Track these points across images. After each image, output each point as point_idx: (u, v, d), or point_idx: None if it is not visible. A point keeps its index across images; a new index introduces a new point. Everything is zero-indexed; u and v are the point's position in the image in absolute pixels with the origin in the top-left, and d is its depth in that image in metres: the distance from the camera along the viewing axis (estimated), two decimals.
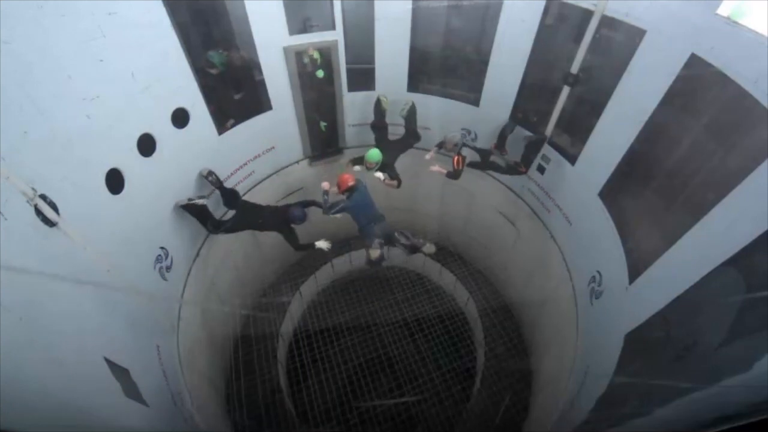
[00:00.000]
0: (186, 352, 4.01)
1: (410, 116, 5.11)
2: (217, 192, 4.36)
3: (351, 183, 4.45)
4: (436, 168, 5.00)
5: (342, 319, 6.27)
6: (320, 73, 4.79)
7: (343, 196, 4.49)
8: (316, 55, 4.65)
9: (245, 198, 4.76)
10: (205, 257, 4.55)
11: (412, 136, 5.24)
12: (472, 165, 5.03)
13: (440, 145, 5.06)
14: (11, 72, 2.12)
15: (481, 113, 5.13)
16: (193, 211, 4.05)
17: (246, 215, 4.49)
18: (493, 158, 4.90)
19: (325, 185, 4.49)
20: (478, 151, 4.93)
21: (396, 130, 5.35)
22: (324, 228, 6.65)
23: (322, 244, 4.61)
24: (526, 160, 4.70)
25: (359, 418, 5.48)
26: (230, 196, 4.45)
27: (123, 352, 2.81)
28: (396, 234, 4.59)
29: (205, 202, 4.10)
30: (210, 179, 4.19)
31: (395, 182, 5.03)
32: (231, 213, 4.54)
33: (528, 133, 4.71)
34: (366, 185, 4.59)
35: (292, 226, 4.48)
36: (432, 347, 6.34)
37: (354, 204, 4.45)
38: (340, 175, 4.53)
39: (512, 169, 4.80)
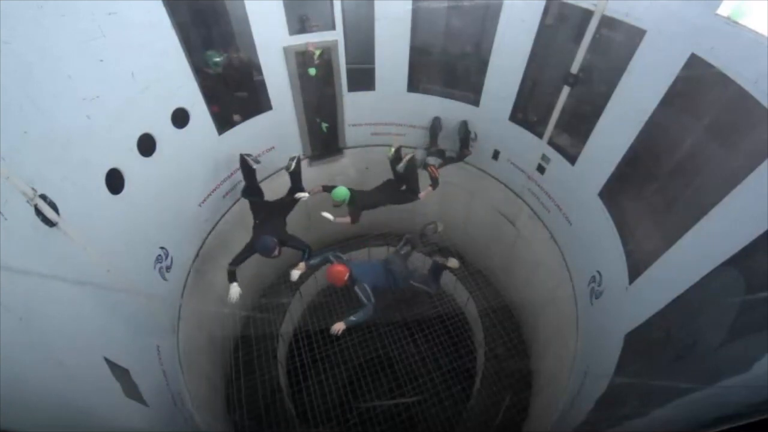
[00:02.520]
0: (186, 352, 4.01)
1: (409, 168, 4.77)
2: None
3: (346, 275, 3.98)
4: (422, 194, 4.99)
5: (342, 319, 6.26)
6: (312, 71, 4.77)
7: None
8: (317, 53, 4.65)
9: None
10: (205, 257, 4.55)
11: (409, 192, 4.95)
12: (440, 165, 5.27)
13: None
14: (11, 72, 2.12)
15: (481, 113, 5.13)
16: (243, 166, 4.28)
17: (273, 206, 4.53)
18: (448, 154, 5.35)
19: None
20: (438, 154, 5.23)
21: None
22: (323, 230, 6.66)
23: (233, 292, 4.07)
24: (465, 144, 5.33)
25: (359, 418, 5.48)
26: (295, 189, 4.59)
27: (123, 352, 2.81)
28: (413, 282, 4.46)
29: (256, 167, 4.30)
30: (289, 163, 4.44)
31: (348, 219, 4.72)
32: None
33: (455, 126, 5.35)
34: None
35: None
36: (432, 347, 6.33)
37: (369, 285, 4.04)
38: (329, 272, 4.03)
39: (461, 156, 5.41)
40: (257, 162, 4.35)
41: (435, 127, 5.37)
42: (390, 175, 5.06)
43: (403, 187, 4.97)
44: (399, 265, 4.45)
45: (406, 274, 4.49)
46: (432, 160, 5.14)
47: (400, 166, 4.77)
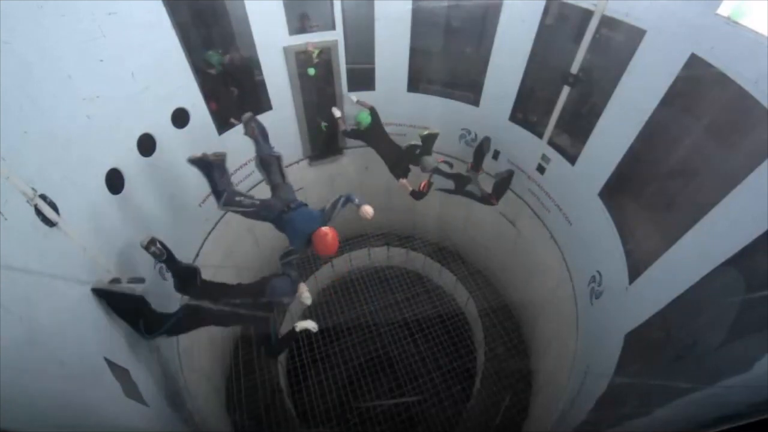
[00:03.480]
0: (186, 352, 4.01)
1: (410, 149, 4.96)
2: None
3: (333, 233, 3.10)
4: (403, 181, 5.05)
5: (342, 319, 6.27)
6: (311, 71, 4.78)
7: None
8: (315, 52, 4.65)
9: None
10: (204, 257, 4.55)
11: (400, 165, 5.05)
12: (446, 191, 5.14)
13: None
14: (11, 72, 2.12)
15: (481, 113, 5.13)
16: (119, 302, 2.66)
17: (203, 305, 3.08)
18: (469, 187, 5.01)
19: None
20: (454, 178, 5.00)
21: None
22: None
23: (306, 324, 3.40)
24: (498, 192, 4.99)
25: (359, 418, 5.48)
26: (186, 276, 3.06)
27: (123, 352, 2.80)
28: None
29: (141, 292, 2.79)
30: (152, 251, 2.85)
31: (343, 126, 5.14)
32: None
33: (498, 171, 5.07)
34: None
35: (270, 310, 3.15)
36: (432, 347, 6.33)
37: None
38: (325, 245, 3.07)
39: (485, 200, 5.01)
40: (139, 282, 2.91)
41: (482, 148, 4.93)
42: None
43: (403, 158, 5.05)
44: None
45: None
46: (441, 180, 5.00)
47: (422, 138, 4.93)
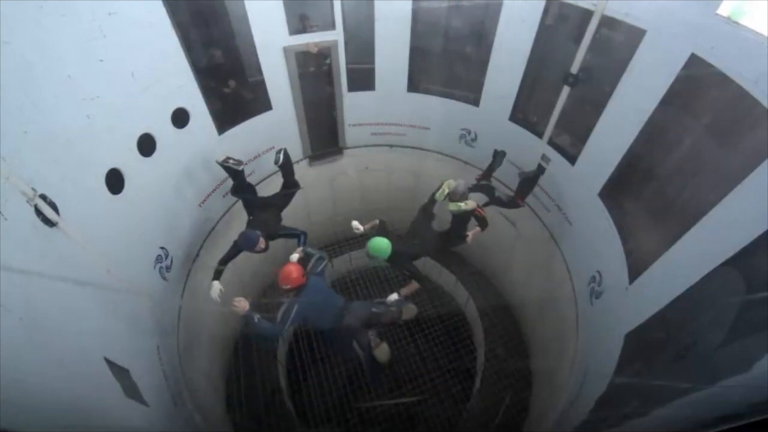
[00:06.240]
0: (186, 352, 4.01)
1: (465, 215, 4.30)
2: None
3: (298, 273, 3.84)
4: (471, 235, 4.46)
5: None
6: (329, 61, 4.80)
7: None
8: (314, 51, 4.65)
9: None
10: (205, 257, 4.55)
11: (457, 236, 4.52)
12: (485, 204, 4.66)
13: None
14: (11, 72, 2.12)
15: (481, 113, 5.13)
16: (228, 171, 4.18)
17: (267, 201, 4.46)
18: (497, 194, 4.63)
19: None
20: (482, 189, 4.66)
21: None
22: (323, 230, 6.65)
23: (213, 291, 3.85)
24: (523, 191, 4.60)
25: (359, 418, 5.47)
26: (288, 178, 4.45)
27: (123, 352, 2.80)
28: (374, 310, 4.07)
29: (241, 168, 4.12)
30: (229, 164, 4.04)
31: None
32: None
33: (522, 170, 4.64)
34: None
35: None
36: (432, 347, 6.33)
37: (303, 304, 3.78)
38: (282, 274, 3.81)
39: (513, 203, 4.68)
40: (239, 163, 4.12)
41: (496, 162, 4.71)
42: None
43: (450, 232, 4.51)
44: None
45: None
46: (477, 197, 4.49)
47: (454, 209, 4.19)
